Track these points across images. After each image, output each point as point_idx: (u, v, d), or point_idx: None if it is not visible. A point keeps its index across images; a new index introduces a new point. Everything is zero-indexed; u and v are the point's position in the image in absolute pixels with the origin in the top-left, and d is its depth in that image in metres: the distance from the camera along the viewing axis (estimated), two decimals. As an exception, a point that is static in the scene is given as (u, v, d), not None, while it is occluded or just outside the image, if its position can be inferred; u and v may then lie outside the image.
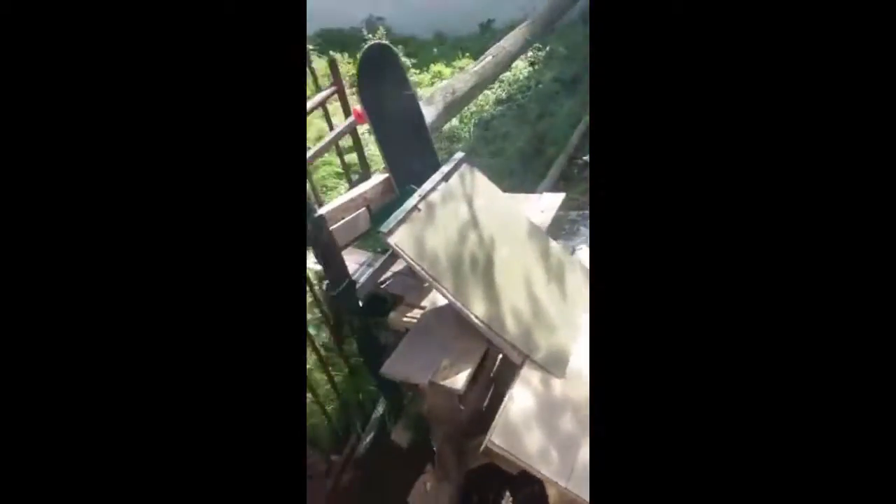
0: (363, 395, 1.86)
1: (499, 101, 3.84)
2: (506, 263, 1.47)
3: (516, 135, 3.39)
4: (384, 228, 1.32)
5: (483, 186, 1.58)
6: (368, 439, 1.71)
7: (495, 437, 1.20)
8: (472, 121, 3.70)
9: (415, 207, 1.40)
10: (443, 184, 1.49)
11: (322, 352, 1.67)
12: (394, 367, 1.42)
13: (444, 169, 1.51)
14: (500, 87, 3.88)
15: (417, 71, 4.44)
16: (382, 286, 1.63)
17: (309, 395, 1.61)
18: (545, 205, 1.85)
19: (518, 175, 2.92)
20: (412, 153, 1.67)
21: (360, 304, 1.55)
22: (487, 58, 2.77)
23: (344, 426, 1.80)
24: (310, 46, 2.63)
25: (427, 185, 1.46)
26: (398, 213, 1.37)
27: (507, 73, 3.78)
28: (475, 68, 2.68)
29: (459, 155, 1.58)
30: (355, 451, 1.72)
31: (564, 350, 1.42)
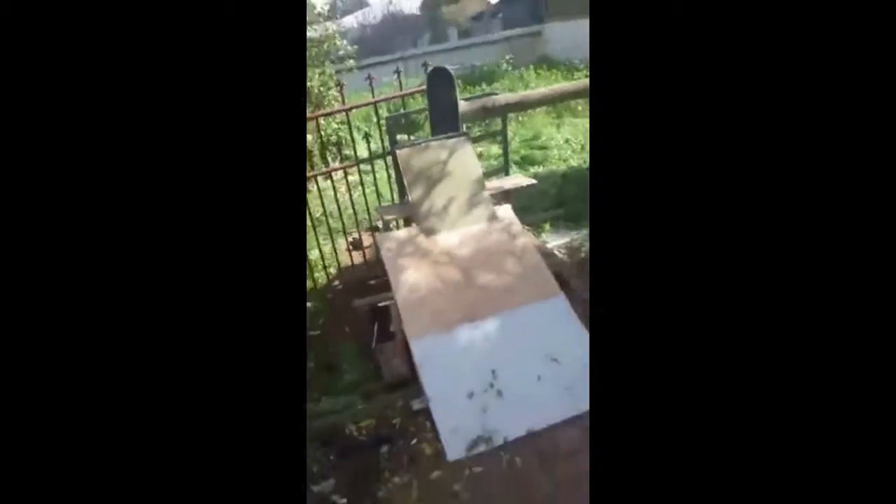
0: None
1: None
2: (447, 186, 3.15)
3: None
4: (398, 149, 3.09)
5: (465, 151, 3.25)
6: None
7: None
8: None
9: (421, 142, 3.15)
10: (444, 140, 3.21)
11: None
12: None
13: (451, 137, 3.23)
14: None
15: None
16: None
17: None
18: (513, 180, 3.48)
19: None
20: (445, 129, 3.37)
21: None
22: (544, 89, 4.32)
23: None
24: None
25: (436, 139, 3.19)
26: (412, 144, 3.14)
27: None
28: (529, 93, 4.27)
29: (464, 134, 3.28)
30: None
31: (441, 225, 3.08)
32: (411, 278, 2.69)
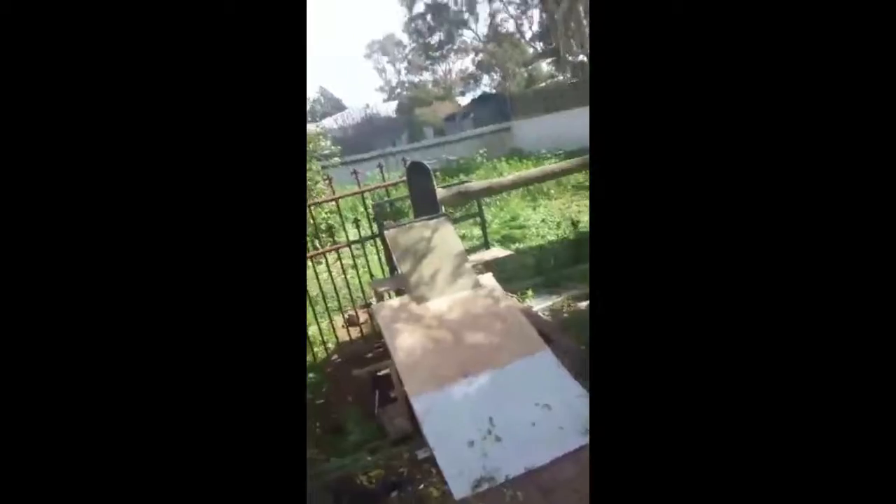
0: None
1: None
2: (433, 259, 3.49)
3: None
4: (386, 230, 3.45)
5: (446, 229, 3.62)
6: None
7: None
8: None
9: (406, 223, 3.52)
10: (427, 221, 3.58)
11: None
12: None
13: (433, 218, 3.61)
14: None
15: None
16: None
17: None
18: (492, 253, 3.84)
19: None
20: (426, 212, 3.77)
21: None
22: (511, 176, 4.83)
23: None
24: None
25: (419, 221, 3.57)
26: (399, 225, 3.51)
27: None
28: (498, 180, 4.76)
29: (444, 215, 3.67)
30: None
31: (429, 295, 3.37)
32: (407, 342, 2.93)
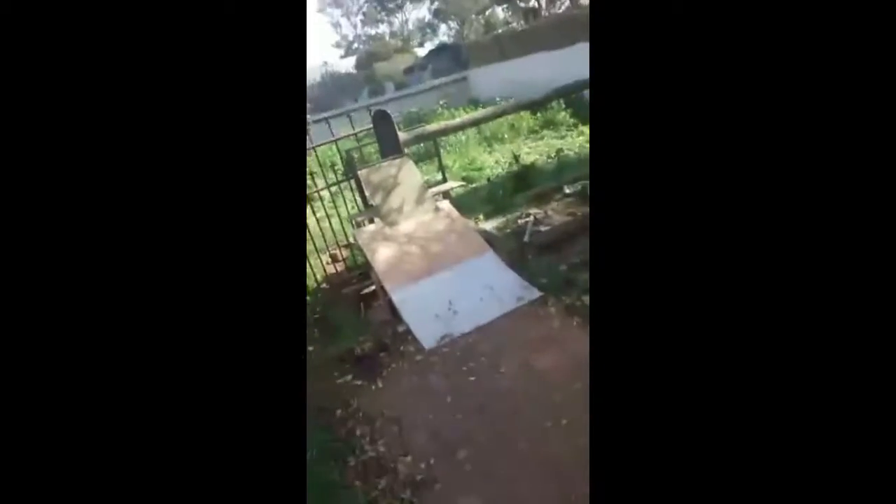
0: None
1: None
2: (399, 191, 4.26)
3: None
4: (359, 170, 4.21)
5: (408, 167, 4.38)
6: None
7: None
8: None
9: (376, 164, 4.29)
10: (392, 161, 4.35)
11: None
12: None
13: (397, 158, 4.37)
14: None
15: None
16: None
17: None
18: (447, 185, 4.64)
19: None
20: (391, 153, 4.51)
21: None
22: (459, 119, 5.58)
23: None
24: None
25: (385, 161, 4.33)
26: (368, 166, 4.26)
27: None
28: (449, 122, 5.50)
29: (405, 155, 4.43)
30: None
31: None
32: (384, 254, 3.75)
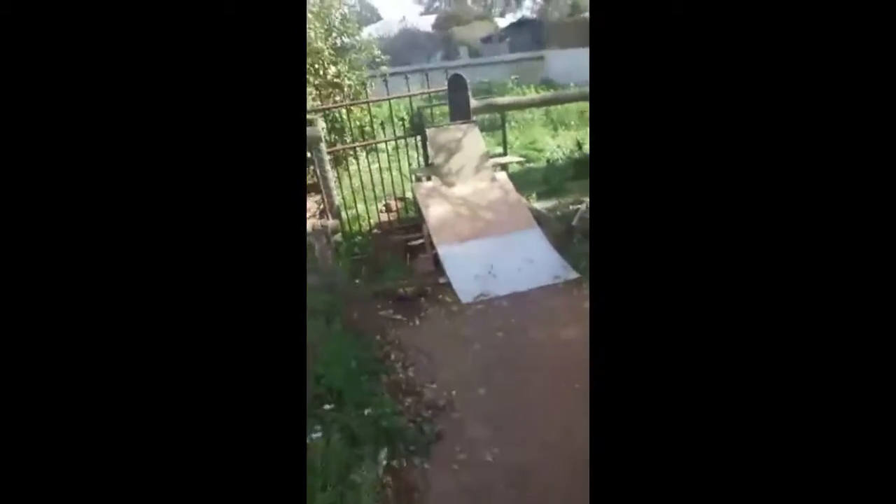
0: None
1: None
2: (461, 155, 4.48)
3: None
4: (427, 129, 4.43)
5: (474, 133, 4.58)
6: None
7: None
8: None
9: (444, 125, 4.50)
10: (460, 125, 4.56)
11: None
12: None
13: (465, 123, 4.57)
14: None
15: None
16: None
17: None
18: (508, 158, 4.82)
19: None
20: (460, 117, 4.71)
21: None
22: (531, 95, 5.69)
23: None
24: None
25: (453, 124, 4.55)
26: (437, 125, 4.49)
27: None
28: (520, 98, 5.62)
29: (474, 122, 4.63)
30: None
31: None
32: (437, 211, 4.01)
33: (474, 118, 4.72)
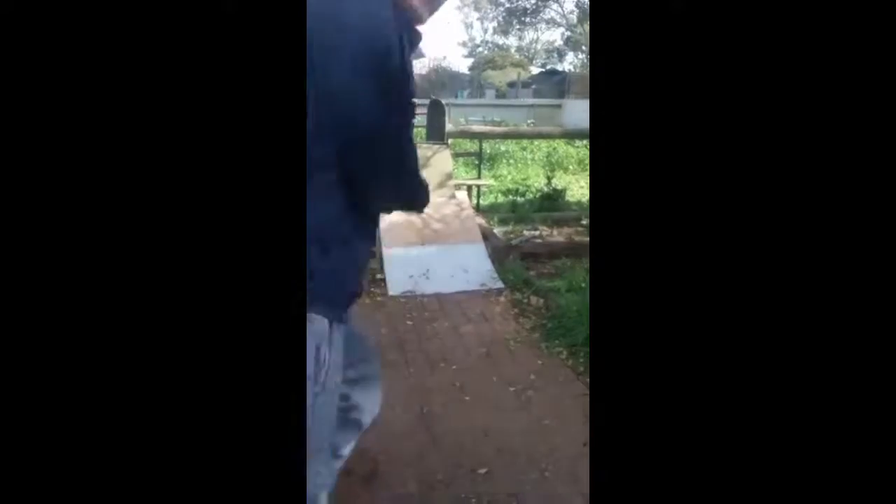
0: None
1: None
2: (427, 172, 4.85)
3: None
4: None
5: (444, 154, 4.96)
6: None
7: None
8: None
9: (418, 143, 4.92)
10: (432, 145, 4.96)
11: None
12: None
13: (436, 144, 4.98)
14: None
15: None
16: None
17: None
18: (477, 181, 5.19)
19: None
20: (434, 138, 5.12)
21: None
22: (504, 128, 6.10)
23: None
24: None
25: (426, 143, 4.95)
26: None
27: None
28: (493, 128, 6.04)
29: (446, 144, 5.03)
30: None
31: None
32: (391, 218, 4.36)
33: (448, 141, 5.12)
